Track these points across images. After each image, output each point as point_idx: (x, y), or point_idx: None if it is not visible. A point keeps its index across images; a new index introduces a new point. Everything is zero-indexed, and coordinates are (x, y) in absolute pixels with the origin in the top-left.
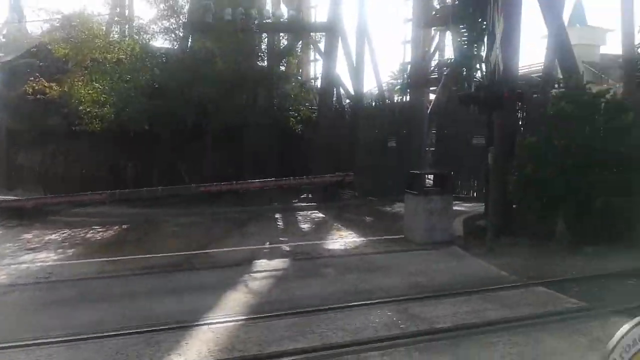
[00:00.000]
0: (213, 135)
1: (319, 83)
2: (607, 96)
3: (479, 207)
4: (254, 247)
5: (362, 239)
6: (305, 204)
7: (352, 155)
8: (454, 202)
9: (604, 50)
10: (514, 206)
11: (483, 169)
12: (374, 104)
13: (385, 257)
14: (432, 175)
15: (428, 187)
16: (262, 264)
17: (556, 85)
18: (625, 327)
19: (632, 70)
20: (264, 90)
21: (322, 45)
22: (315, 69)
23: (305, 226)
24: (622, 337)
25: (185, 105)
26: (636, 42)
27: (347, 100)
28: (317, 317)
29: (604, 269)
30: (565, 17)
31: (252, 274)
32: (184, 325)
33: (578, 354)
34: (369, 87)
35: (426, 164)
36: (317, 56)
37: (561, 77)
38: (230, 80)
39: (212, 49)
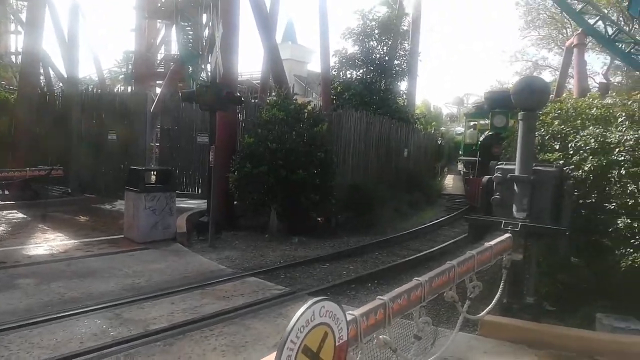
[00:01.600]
0: None
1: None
2: (309, 107)
3: (203, 204)
4: None
5: (74, 241)
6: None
7: (66, 147)
8: (180, 199)
9: (311, 67)
10: (235, 202)
11: (207, 167)
12: (94, 91)
13: (100, 259)
14: (155, 172)
15: (150, 183)
16: None
17: (272, 93)
18: (300, 310)
19: (328, 87)
20: None
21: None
22: (17, 44)
23: None
24: (297, 319)
25: None
26: (331, 64)
27: (60, 84)
28: (6, 337)
29: (306, 256)
30: (280, 34)
31: None
32: None
33: (280, 335)
34: (89, 72)
35: (151, 160)
36: (20, 28)
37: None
38: None
39: None
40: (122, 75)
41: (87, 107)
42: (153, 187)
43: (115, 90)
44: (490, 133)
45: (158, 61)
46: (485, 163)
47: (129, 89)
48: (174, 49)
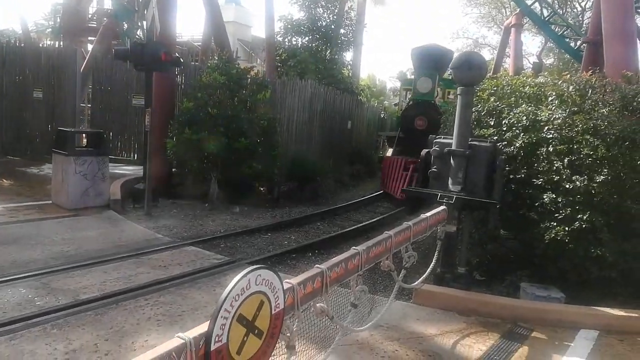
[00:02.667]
0: None
1: None
2: (252, 73)
3: (139, 170)
4: None
5: None
6: None
7: None
8: (114, 165)
9: (255, 32)
10: (173, 170)
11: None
12: (16, 44)
13: (26, 226)
14: (86, 135)
15: (81, 147)
16: None
17: (214, 57)
18: (235, 279)
19: (272, 53)
20: None
21: None
22: None
23: None
24: (232, 288)
25: None
26: (276, 30)
27: None
28: None
29: (246, 226)
30: None
31: None
32: None
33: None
34: (11, 25)
35: (82, 122)
36: None
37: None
38: None
39: None
40: (50, 29)
41: (8, 61)
42: (84, 150)
43: (41, 45)
44: (411, 102)
45: (90, 15)
46: (407, 138)
47: (57, 44)
48: (107, 3)
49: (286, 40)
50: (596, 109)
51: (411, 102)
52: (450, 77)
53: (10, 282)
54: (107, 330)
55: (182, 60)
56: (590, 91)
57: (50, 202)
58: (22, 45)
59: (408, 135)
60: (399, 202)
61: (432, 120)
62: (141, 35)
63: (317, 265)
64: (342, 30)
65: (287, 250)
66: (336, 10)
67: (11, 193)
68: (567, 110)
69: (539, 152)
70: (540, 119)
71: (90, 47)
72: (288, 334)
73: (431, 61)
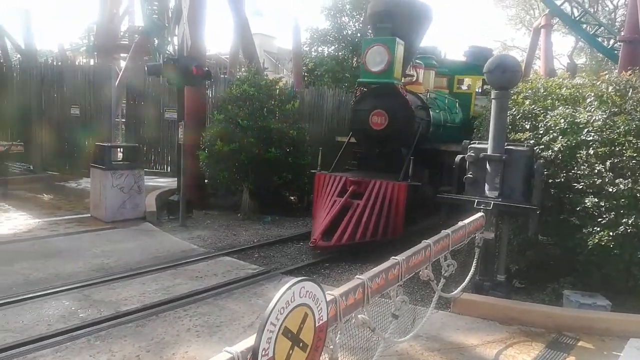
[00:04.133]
0: None
1: None
2: (280, 84)
3: (173, 182)
4: None
5: (38, 220)
6: None
7: (26, 121)
8: (149, 177)
9: (280, 44)
10: (206, 181)
11: (176, 144)
12: (54, 63)
13: (67, 239)
14: (122, 149)
15: (117, 161)
16: None
17: (241, 69)
18: (281, 291)
19: (299, 63)
20: None
21: None
22: None
23: None
24: (278, 300)
25: None
26: (302, 40)
27: (18, 56)
28: None
29: (279, 235)
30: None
31: None
32: None
33: (255, 315)
34: (49, 45)
35: (117, 136)
36: None
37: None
38: None
39: None
40: (84, 48)
41: (47, 80)
42: (120, 164)
43: (77, 63)
44: (365, 90)
45: (122, 33)
46: (361, 143)
47: (92, 62)
48: (139, 21)
49: (312, 50)
50: (638, 109)
51: (365, 90)
52: (444, 57)
53: (54, 295)
54: (148, 341)
55: (212, 74)
56: (630, 91)
57: (89, 215)
58: (59, 64)
59: (362, 139)
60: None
61: (396, 117)
62: (172, 51)
63: (357, 276)
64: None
65: (321, 260)
66: (361, 19)
67: (52, 207)
68: (607, 111)
69: (578, 155)
70: (578, 121)
71: (123, 63)
72: (331, 347)
73: (388, 16)
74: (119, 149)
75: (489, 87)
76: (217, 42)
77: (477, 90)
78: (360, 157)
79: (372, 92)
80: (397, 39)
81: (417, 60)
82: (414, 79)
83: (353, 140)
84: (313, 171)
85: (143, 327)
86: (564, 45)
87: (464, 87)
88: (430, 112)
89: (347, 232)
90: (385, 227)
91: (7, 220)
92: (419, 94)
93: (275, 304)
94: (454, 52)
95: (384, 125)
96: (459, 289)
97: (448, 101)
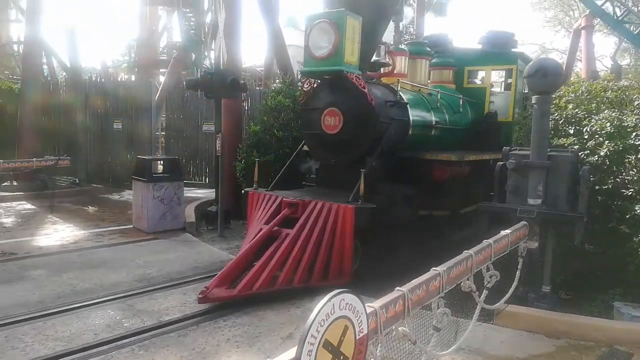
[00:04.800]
0: None
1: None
2: None
3: (211, 193)
4: None
5: (84, 231)
6: (8, 194)
7: (72, 136)
8: (187, 189)
9: None
10: (242, 191)
11: (214, 155)
12: (97, 79)
13: (111, 250)
14: (162, 161)
15: (157, 173)
16: None
17: (276, 80)
18: (320, 303)
19: None
20: None
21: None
22: (20, 34)
23: (8, 220)
24: (318, 312)
25: None
26: None
27: (64, 73)
28: (21, 328)
29: None
30: (282, 20)
31: None
32: None
33: (293, 326)
34: (92, 62)
35: (157, 149)
36: (21, 16)
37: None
38: None
39: None
40: (125, 64)
41: (91, 96)
42: (160, 176)
43: (118, 79)
44: (315, 84)
45: (161, 49)
46: (314, 151)
47: (132, 77)
48: (177, 36)
49: None
50: None
51: (318, 84)
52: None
53: (100, 305)
54: (190, 351)
55: (247, 86)
56: None
57: (132, 226)
58: (103, 80)
59: (314, 147)
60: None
61: (353, 116)
62: (209, 65)
63: (397, 288)
64: (401, 46)
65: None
66: (393, 27)
67: (96, 219)
68: None
69: (627, 160)
70: (626, 124)
71: (162, 78)
72: (372, 359)
73: None
74: (159, 162)
75: (511, 79)
76: (252, 54)
77: (494, 83)
78: (319, 169)
79: (326, 86)
80: (349, 12)
81: (402, 47)
82: (389, 68)
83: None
84: (247, 189)
85: (184, 337)
86: (606, 46)
87: (478, 81)
88: (410, 111)
89: (263, 276)
90: (323, 268)
91: (55, 232)
92: (396, 87)
93: (316, 316)
94: None
95: (339, 128)
96: (502, 300)
97: (447, 98)
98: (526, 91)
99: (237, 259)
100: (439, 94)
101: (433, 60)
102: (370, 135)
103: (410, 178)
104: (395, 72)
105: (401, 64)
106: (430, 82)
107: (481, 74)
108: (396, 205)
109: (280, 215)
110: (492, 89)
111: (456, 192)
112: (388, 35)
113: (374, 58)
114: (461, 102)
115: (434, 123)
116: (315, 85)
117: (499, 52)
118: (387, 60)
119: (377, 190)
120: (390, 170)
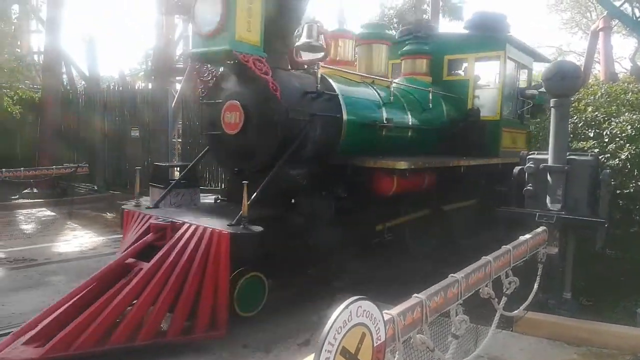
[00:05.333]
0: None
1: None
2: None
3: None
4: None
5: (102, 237)
6: (28, 201)
7: (91, 144)
8: (203, 195)
9: None
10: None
11: None
12: (115, 88)
13: None
14: (179, 168)
15: (174, 179)
16: None
17: None
18: (337, 310)
19: None
20: None
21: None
22: (40, 44)
23: (28, 227)
24: (335, 320)
25: None
26: None
27: (82, 83)
28: None
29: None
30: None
31: None
32: None
33: (309, 333)
34: (110, 70)
35: (173, 156)
36: (41, 27)
37: None
38: None
39: None
40: (142, 72)
41: (109, 104)
42: (177, 182)
43: (136, 87)
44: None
45: (177, 57)
46: (214, 153)
47: (149, 85)
48: None
49: None
50: None
51: (221, 72)
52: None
53: None
54: None
55: None
56: None
57: None
58: (120, 89)
59: (214, 150)
60: None
61: (257, 113)
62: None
63: (415, 295)
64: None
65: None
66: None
67: (114, 225)
68: None
69: None
70: None
71: (178, 86)
72: None
73: None
74: (175, 168)
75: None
76: None
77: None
78: (229, 178)
79: (227, 73)
80: None
81: (346, 28)
82: (325, 55)
83: None
84: (124, 207)
85: None
86: (625, 47)
87: (462, 72)
88: (345, 106)
89: (90, 330)
90: (186, 315)
91: (74, 238)
92: (317, 73)
93: (332, 323)
94: None
95: (239, 127)
96: (522, 307)
97: (413, 92)
98: (524, 86)
99: (66, 303)
100: (391, 86)
101: (404, 49)
102: (277, 137)
103: (347, 191)
104: (338, 59)
105: (344, 48)
106: (402, 75)
107: (465, 63)
108: (317, 226)
109: (139, 242)
110: (479, 82)
111: (410, 207)
112: None
113: (304, 40)
114: (430, 97)
115: (384, 122)
116: (216, 74)
117: (483, 35)
118: (320, 43)
119: (298, 207)
120: (317, 182)
